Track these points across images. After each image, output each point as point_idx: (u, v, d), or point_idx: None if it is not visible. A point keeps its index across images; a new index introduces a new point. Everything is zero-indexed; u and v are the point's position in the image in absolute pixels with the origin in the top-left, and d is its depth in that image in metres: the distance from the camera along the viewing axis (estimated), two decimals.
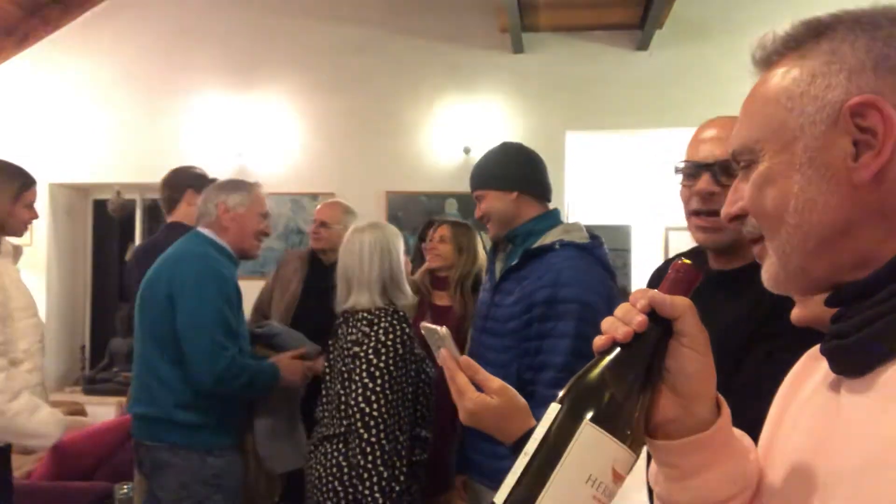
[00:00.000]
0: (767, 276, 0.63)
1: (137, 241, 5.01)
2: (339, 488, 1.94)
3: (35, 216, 2.27)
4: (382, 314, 1.99)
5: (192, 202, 2.71)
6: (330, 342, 2.14)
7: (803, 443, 0.63)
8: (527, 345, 1.67)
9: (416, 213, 4.68)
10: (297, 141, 4.86)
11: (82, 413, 4.30)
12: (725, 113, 1.29)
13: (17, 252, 2.25)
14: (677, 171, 1.23)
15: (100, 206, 5.27)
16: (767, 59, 0.63)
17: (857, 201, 0.56)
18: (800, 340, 1.01)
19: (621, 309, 0.63)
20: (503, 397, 0.98)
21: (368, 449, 1.87)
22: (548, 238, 1.77)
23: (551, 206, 1.92)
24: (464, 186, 4.61)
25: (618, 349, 0.60)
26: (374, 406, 1.89)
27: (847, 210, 0.56)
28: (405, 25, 4.74)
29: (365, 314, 1.99)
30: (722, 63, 4.36)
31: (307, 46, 4.83)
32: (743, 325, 1.09)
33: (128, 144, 4.92)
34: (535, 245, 1.77)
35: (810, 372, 0.69)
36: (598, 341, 0.62)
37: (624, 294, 0.87)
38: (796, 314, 0.98)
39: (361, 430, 1.89)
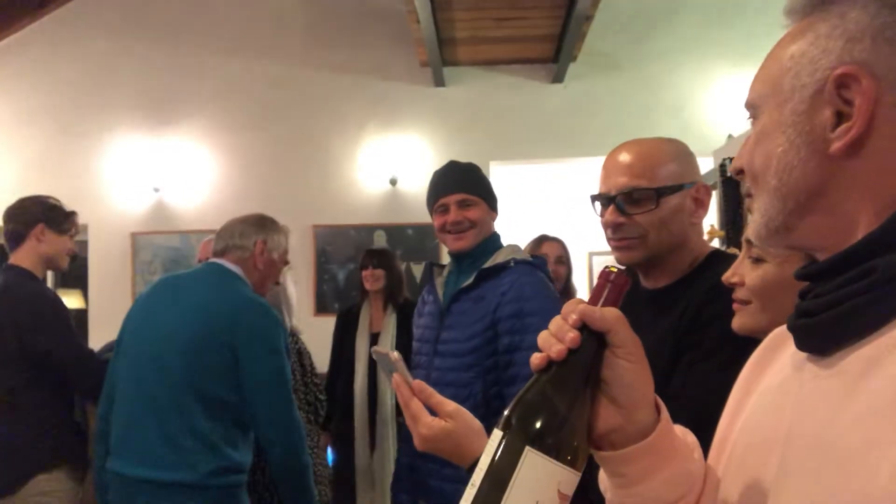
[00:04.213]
0: (753, 229, 0.63)
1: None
2: None
3: None
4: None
5: (41, 239, 2.25)
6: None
7: (764, 425, 0.62)
8: (494, 360, 1.73)
9: (344, 247, 4.66)
10: (218, 176, 4.77)
11: None
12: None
13: None
14: (592, 203, 1.30)
15: None
16: (797, 13, 0.61)
17: (831, 171, 0.55)
18: (718, 349, 1.08)
19: (554, 324, 0.62)
20: (457, 420, 0.97)
21: None
22: (498, 257, 1.84)
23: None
24: (391, 218, 4.69)
25: (554, 367, 0.60)
26: None
27: (823, 178, 0.56)
28: (326, 60, 4.77)
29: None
30: (632, 93, 4.61)
31: (226, 81, 4.77)
32: (670, 339, 1.15)
33: (38, 185, 4.67)
34: (488, 265, 1.83)
35: (769, 360, 0.69)
36: (535, 360, 0.61)
37: None
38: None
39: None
